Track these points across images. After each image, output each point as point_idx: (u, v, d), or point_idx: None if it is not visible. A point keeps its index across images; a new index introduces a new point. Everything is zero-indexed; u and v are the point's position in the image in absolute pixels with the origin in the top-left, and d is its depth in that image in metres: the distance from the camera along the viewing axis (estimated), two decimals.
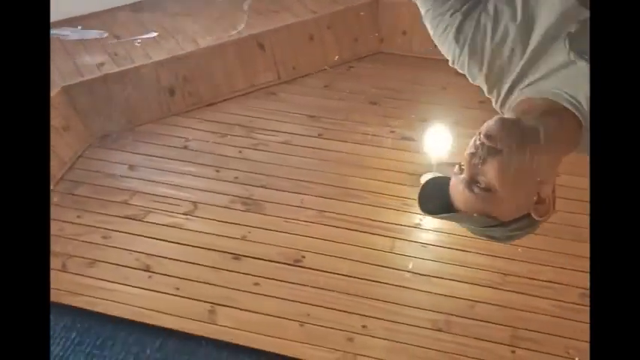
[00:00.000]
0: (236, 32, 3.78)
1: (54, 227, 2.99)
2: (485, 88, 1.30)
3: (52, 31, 3.65)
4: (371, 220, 3.08)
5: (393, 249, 2.95)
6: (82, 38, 3.76)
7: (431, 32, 1.34)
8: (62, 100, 3.43)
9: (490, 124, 1.10)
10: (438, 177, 1.26)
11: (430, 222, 3.05)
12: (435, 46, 3.99)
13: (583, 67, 1.11)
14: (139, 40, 3.70)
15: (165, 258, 2.89)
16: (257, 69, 3.99)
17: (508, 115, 1.19)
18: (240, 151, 3.51)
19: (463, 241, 2.88)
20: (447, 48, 1.31)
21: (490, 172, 1.10)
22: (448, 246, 2.93)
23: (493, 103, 1.30)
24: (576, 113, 1.12)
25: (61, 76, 3.50)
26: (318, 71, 4.13)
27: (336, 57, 4.13)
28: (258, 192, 3.25)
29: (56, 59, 3.58)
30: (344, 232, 3.03)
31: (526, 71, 1.21)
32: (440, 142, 3.31)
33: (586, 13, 1.12)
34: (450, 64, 1.33)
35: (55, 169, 3.29)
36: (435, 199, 1.21)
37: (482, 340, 2.59)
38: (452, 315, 2.67)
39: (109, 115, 3.59)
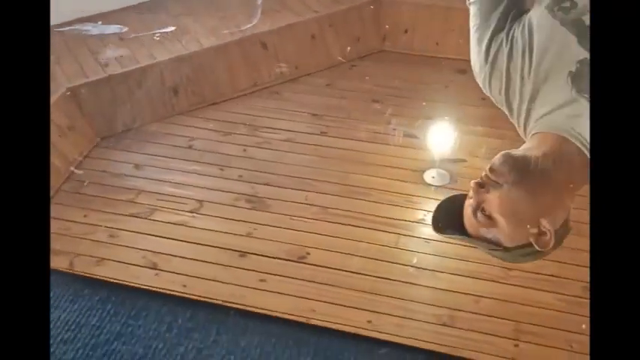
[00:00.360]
0: (250, 25, 3.82)
1: (61, 226, 3.02)
2: (507, 112, 1.33)
3: (74, 27, 3.71)
4: (375, 216, 3.11)
5: (398, 244, 2.98)
6: (102, 33, 3.80)
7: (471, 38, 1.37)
8: (67, 101, 3.46)
9: (496, 158, 1.18)
10: (455, 195, 1.31)
11: None
12: (437, 44, 4.02)
13: (585, 106, 1.15)
14: (157, 34, 3.75)
15: (172, 256, 2.91)
16: (260, 68, 4.02)
17: (528, 143, 1.23)
18: (244, 150, 3.54)
19: None
20: (474, 58, 1.35)
21: (491, 203, 1.18)
22: (452, 241, 2.94)
23: (517, 127, 1.33)
24: (584, 151, 1.15)
25: (66, 77, 3.54)
26: (320, 70, 4.16)
27: (349, 48, 4.16)
28: (262, 190, 3.28)
29: (61, 60, 3.63)
30: (348, 228, 3.06)
31: (534, 103, 1.25)
32: (442, 139, 3.34)
33: (585, 54, 1.16)
34: (476, 78, 1.36)
35: (61, 168, 3.32)
36: (450, 216, 1.28)
37: (486, 334, 2.62)
38: (456, 310, 2.70)
39: (113, 115, 3.62)
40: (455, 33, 4.18)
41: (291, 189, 3.28)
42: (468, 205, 1.23)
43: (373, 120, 3.71)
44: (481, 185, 1.19)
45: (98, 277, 2.67)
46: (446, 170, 3.34)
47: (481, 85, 1.35)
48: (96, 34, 3.78)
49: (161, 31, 3.77)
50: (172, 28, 3.80)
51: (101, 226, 3.06)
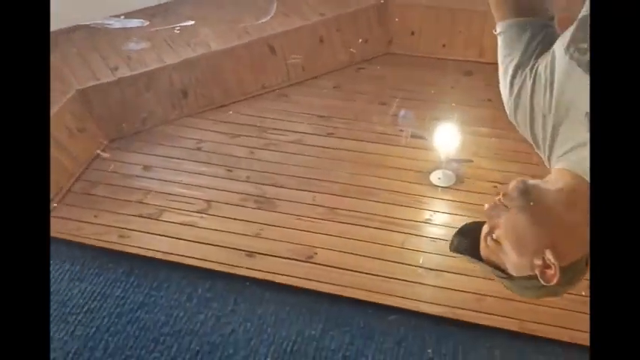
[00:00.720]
0: (265, 20, 3.88)
1: (71, 227, 3.06)
2: (533, 145, 1.34)
3: (98, 21, 3.77)
4: (382, 216, 3.14)
5: (404, 244, 3.01)
6: (124, 26, 3.86)
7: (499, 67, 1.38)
8: (77, 103, 3.51)
9: (510, 183, 1.20)
10: (478, 222, 1.32)
11: (440, 217, 3.12)
12: (444, 46, 4.02)
13: None
14: (177, 28, 3.81)
15: (181, 256, 2.95)
16: (268, 71, 4.06)
17: (550, 176, 1.25)
18: (251, 152, 3.58)
19: None
20: (502, 89, 1.36)
21: (499, 227, 1.20)
22: None
23: (543, 160, 1.35)
24: None
25: (76, 79, 3.59)
26: (328, 72, 4.20)
27: (360, 40, 4.18)
28: (270, 190, 3.31)
29: (71, 63, 3.68)
30: (355, 228, 3.09)
31: (555, 140, 1.26)
32: (448, 140, 3.37)
33: None
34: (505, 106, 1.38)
35: (72, 170, 3.37)
36: (469, 240, 1.31)
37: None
38: (459, 308, 2.72)
39: (123, 117, 3.67)
40: (461, 35, 4.21)
41: (299, 190, 3.31)
42: (483, 229, 1.25)
43: (380, 121, 3.74)
44: (493, 209, 1.21)
45: (122, 250, 2.72)
46: (452, 171, 3.37)
47: (508, 115, 1.36)
48: (118, 27, 3.84)
49: (181, 24, 3.83)
50: (192, 22, 3.86)
51: (111, 226, 3.11)
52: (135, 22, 3.89)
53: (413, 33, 4.35)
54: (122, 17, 3.96)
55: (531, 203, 1.17)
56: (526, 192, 1.18)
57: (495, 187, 3.26)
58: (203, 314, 0.99)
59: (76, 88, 3.53)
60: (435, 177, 3.35)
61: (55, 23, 3.82)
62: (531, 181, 1.21)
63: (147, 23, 3.90)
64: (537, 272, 1.17)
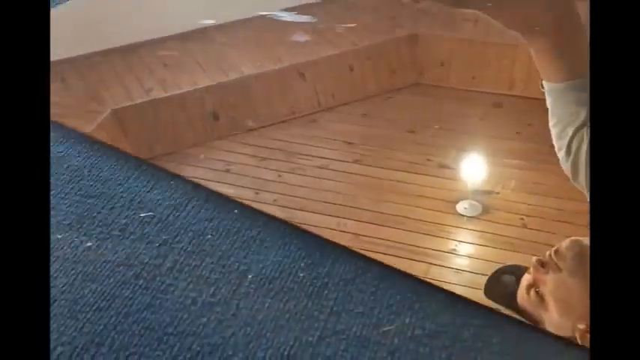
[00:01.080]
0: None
1: None
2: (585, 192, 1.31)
3: (273, 13, 3.98)
4: (406, 244, 3.14)
5: (428, 274, 3.00)
6: (295, 20, 4.02)
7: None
8: (111, 123, 3.59)
9: (564, 241, 1.18)
10: (517, 266, 1.32)
11: (465, 248, 3.11)
12: (474, 77, 4.00)
13: None
14: (340, 28, 4.04)
15: None
16: (298, 97, 4.12)
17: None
18: (279, 175, 3.62)
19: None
20: (557, 151, 1.31)
21: (547, 284, 1.18)
22: (482, 272, 2.97)
23: None
24: None
25: (112, 99, 3.67)
26: (357, 100, 4.24)
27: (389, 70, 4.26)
28: (296, 214, 3.33)
29: (107, 84, 3.78)
30: (379, 256, 3.06)
31: None
32: (476, 171, 3.38)
33: None
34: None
35: None
36: (504, 285, 1.30)
37: None
38: None
39: (155, 137, 3.74)
40: (492, 67, 4.23)
41: (324, 214, 3.33)
42: (525, 279, 1.23)
43: (408, 150, 3.76)
44: (542, 264, 1.19)
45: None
46: (478, 201, 3.37)
47: (570, 179, 1.31)
48: (290, 20, 4.01)
49: (343, 25, 4.11)
50: (354, 25, 4.01)
51: None
52: (304, 18, 4.03)
53: (442, 64, 4.38)
54: (294, 13, 4.09)
55: (584, 266, 1.14)
56: (580, 254, 1.16)
57: (522, 219, 3.25)
58: (206, 317, 1.02)
59: (111, 107, 3.61)
60: (462, 207, 3.35)
61: (236, 14, 4.15)
62: (586, 242, 1.18)
63: (315, 19, 4.03)
64: (577, 335, 1.13)
